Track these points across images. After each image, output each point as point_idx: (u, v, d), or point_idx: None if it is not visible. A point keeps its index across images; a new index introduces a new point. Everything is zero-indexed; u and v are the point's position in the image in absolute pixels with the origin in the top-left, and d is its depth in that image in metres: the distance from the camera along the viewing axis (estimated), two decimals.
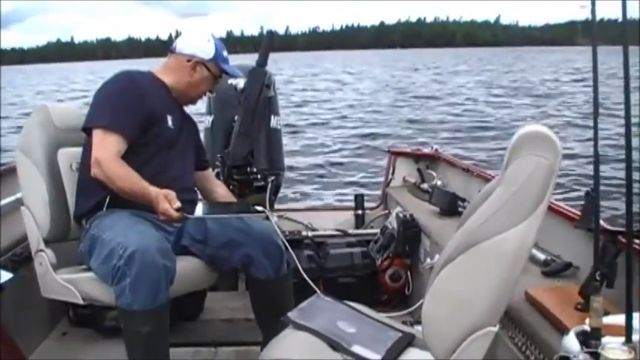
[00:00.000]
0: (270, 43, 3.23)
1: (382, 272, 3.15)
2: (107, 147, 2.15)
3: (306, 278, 2.60)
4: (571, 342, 1.32)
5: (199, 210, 2.26)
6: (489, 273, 1.38)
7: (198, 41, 2.45)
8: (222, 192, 2.63)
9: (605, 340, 1.24)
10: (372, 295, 3.12)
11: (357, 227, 3.74)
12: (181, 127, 2.44)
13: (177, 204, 2.05)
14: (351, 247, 3.30)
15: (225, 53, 2.49)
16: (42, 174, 2.29)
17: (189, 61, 2.42)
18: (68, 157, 2.39)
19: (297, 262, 2.77)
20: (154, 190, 2.07)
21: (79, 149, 2.34)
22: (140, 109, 2.25)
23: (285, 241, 2.45)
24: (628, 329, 1.27)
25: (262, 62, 3.16)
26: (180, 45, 2.45)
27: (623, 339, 1.35)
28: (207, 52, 2.43)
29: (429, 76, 35.92)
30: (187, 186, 2.39)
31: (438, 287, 1.46)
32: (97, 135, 2.18)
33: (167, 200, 2.04)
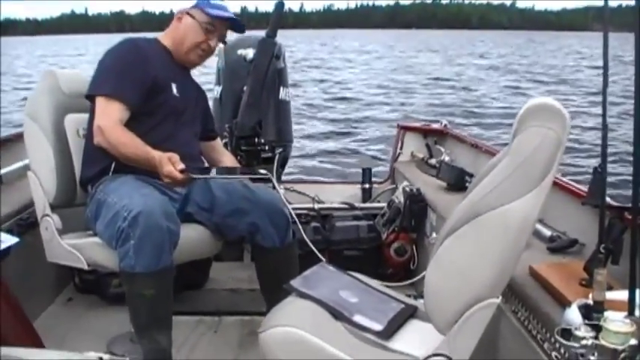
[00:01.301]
0: (279, 14, 3.21)
1: (387, 246, 3.15)
2: (110, 115, 2.15)
3: (312, 247, 2.59)
4: (573, 315, 1.31)
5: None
6: (493, 244, 1.37)
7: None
8: (228, 162, 2.62)
9: (607, 313, 1.23)
10: (377, 268, 3.12)
11: (364, 201, 3.73)
12: (188, 96, 2.42)
13: (181, 165, 2.05)
14: (357, 221, 3.31)
15: (214, 1, 2.40)
16: (49, 139, 2.29)
17: (177, 15, 2.41)
18: (75, 123, 2.39)
19: (303, 233, 2.77)
20: (157, 154, 2.07)
21: (86, 115, 2.33)
22: (143, 76, 2.23)
23: (291, 211, 2.44)
24: (631, 303, 1.26)
25: (272, 33, 3.15)
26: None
27: (625, 313, 1.35)
28: (189, 3, 2.40)
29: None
30: (193, 154, 2.39)
31: (440, 257, 1.46)
32: (100, 103, 2.18)
33: (171, 162, 2.04)
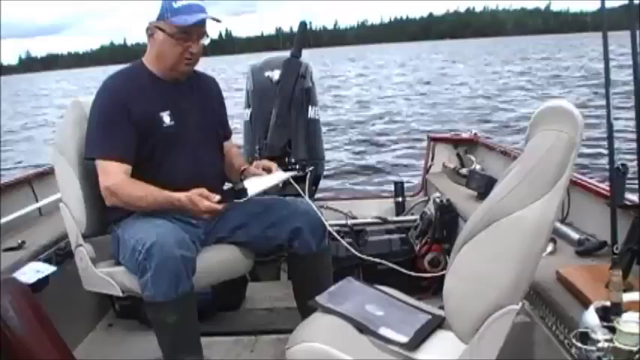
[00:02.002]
0: (303, 33, 3.25)
1: (421, 258, 3.14)
2: (113, 174, 2.14)
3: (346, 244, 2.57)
4: (591, 317, 1.30)
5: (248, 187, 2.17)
6: (510, 249, 1.37)
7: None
8: (232, 154, 2.57)
9: (626, 315, 1.21)
10: (412, 280, 3.10)
11: (398, 214, 3.73)
12: (186, 115, 2.30)
13: (217, 197, 2.05)
14: (389, 234, 3.30)
15: (177, 3, 2.16)
16: (76, 172, 2.32)
17: (147, 32, 2.25)
18: None
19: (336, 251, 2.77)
20: (181, 196, 2.07)
21: None
22: (129, 125, 2.18)
23: (324, 221, 2.42)
24: None
25: (297, 53, 3.19)
26: None
27: None
28: (154, 13, 2.20)
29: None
30: (213, 170, 2.38)
31: (458, 264, 1.46)
32: (100, 165, 2.18)
33: (204, 197, 2.04)
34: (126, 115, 2.17)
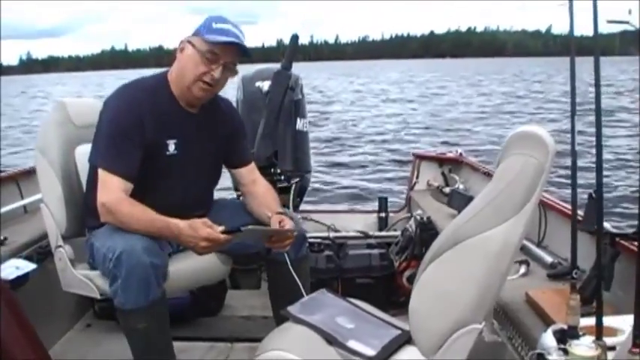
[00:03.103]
0: (294, 46, 3.28)
1: (400, 274, 3.17)
2: (112, 190, 2.07)
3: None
4: (548, 339, 1.33)
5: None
6: (474, 270, 1.40)
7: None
8: (261, 191, 2.42)
9: (582, 338, 1.25)
10: (390, 296, 3.14)
11: (380, 230, 3.76)
12: (193, 146, 2.24)
13: (221, 227, 2.01)
14: (370, 249, 3.32)
15: (217, 25, 2.13)
16: (57, 174, 2.32)
17: (180, 46, 2.18)
18: (87, 154, 2.34)
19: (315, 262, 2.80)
20: (182, 222, 2.03)
21: None
22: (140, 143, 2.11)
23: (305, 232, 2.44)
24: (598, 328, 1.28)
25: (287, 65, 3.22)
26: None
27: (615, 339, 1.37)
28: (193, 31, 2.16)
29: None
30: (199, 204, 2.34)
31: (424, 281, 1.50)
32: (101, 175, 2.11)
33: (207, 226, 2.01)
34: (138, 134, 2.10)
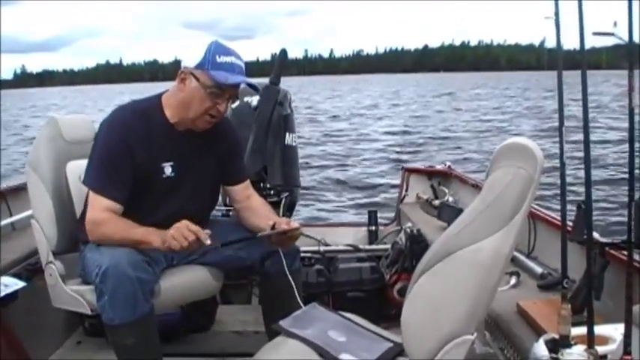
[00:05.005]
0: (283, 61, 3.29)
1: (391, 287, 3.17)
2: (99, 209, 2.12)
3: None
4: (540, 349, 1.34)
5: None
6: (465, 281, 1.40)
7: (190, 50, 2.15)
8: (256, 205, 2.43)
9: (573, 348, 1.25)
10: (381, 309, 3.13)
11: (371, 243, 3.77)
12: (189, 168, 2.26)
13: (208, 231, 2.02)
14: (360, 262, 3.33)
15: (221, 58, 2.10)
16: (48, 190, 2.33)
17: (180, 75, 2.16)
18: (78, 169, 2.37)
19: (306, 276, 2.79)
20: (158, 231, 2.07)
21: None
22: (129, 168, 2.14)
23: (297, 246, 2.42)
24: (589, 337, 1.29)
25: (276, 80, 3.22)
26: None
27: (606, 348, 1.37)
28: (194, 58, 2.12)
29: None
30: (194, 220, 2.23)
31: (416, 293, 1.49)
32: (91, 195, 2.16)
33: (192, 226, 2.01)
34: (128, 159, 2.13)
